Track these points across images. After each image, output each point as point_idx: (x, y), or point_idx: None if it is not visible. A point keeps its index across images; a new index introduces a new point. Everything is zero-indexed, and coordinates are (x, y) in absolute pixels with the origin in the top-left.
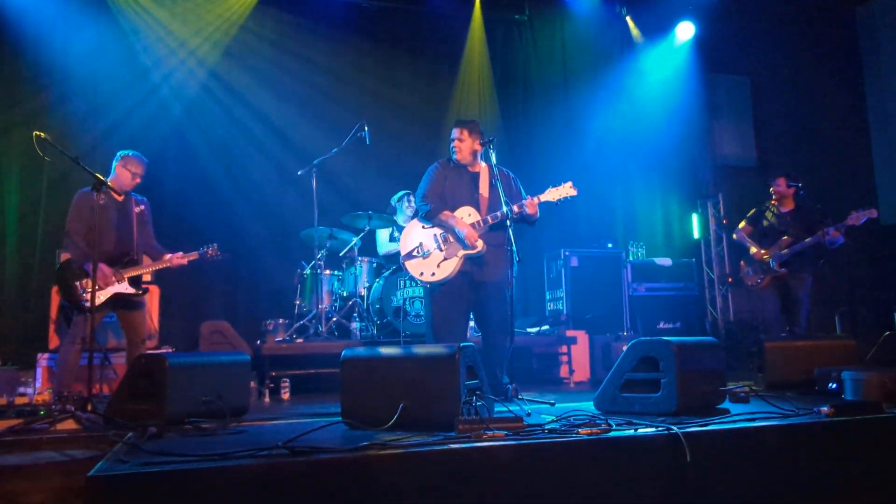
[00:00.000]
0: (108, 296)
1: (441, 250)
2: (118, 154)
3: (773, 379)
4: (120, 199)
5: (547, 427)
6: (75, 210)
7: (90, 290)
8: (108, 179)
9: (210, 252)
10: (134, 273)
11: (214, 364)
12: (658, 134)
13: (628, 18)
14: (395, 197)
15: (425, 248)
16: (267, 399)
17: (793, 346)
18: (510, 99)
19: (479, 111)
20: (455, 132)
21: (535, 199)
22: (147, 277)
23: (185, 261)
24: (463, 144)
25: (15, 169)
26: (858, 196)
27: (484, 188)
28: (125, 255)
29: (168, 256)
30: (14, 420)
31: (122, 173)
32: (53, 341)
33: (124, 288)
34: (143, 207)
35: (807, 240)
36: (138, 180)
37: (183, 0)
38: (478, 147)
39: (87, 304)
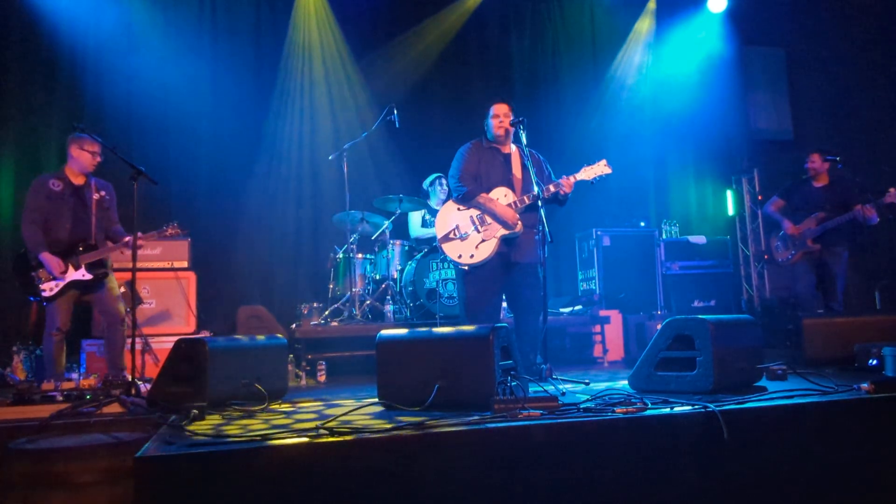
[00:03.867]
0: (64, 284)
1: (479, 232)
2: (68, 138)
3: (812, 356)
4: (79, 183)
5: (582, 406)
6: (30, 198)
7: (45, 279)
8: (65, 166)
9: (169, 231)
10: (91, 258)
11: (253, 348)
12: (691, 109)
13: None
14: (427, 180)
15: (462, 231)
16: (304, 382)
17: (832, 322)
18: (539, 76)
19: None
20: (501, 108)
21: (571, 179)
22: (182, 263)
23: (142, 242)
24: (507, 121)
25: (54, 159)
26: None
27: (517, 169)
28: (81, 242)
29: (127, 239)
30: (62, 404)
31: (81, 155)
32: (97, 328)
33: (81, 275)
34: (103, 193)
35: (839, 216)
36: (98, 159)
37: None
38: (510, 127)
39: (45, 295)
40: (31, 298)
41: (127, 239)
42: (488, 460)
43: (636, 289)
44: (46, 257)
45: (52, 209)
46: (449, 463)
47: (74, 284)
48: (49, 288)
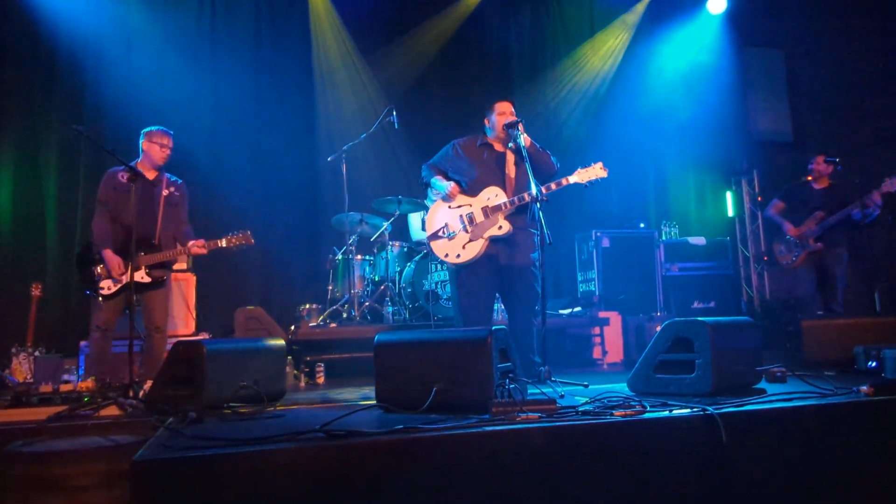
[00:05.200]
0: (121, 286)
1: (466, 232)
2: (142, 132)
3: (812, 358)
4: (149, 178)
5: (581, 409)
6: (100, 190)
7: (104, 277)
8: (138, 161)
9: (235, 240)
10: (151, 261)
11: (251, 350)
12: (691, 110)
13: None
14: None
15: (451, 230)
16: (303, 384)
17: (831, 324)
18: (539, 77)
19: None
20: (507, 106)
21: (564, 181)
22: (182, 265)
23: (204, 250)
24: (511, 119)
25: (53, 160)
26: None
27: (510, 168)
28: (144, 240)
29: (191, 243)
30: (60, 406)
31: (151, 148)
32: None
33: (140, 277)
34: (172, 189)
35: (841, 211)
36: (168, 152)
37: None
38: (511, 127)
39: (103, 293)
40: (87, 292)
41: (191, 243)
42: (486, 463)
43: (636, 290)
44: (109, 256)
45: (118, 201)
46: (446, 466)
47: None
48: (107, 287)
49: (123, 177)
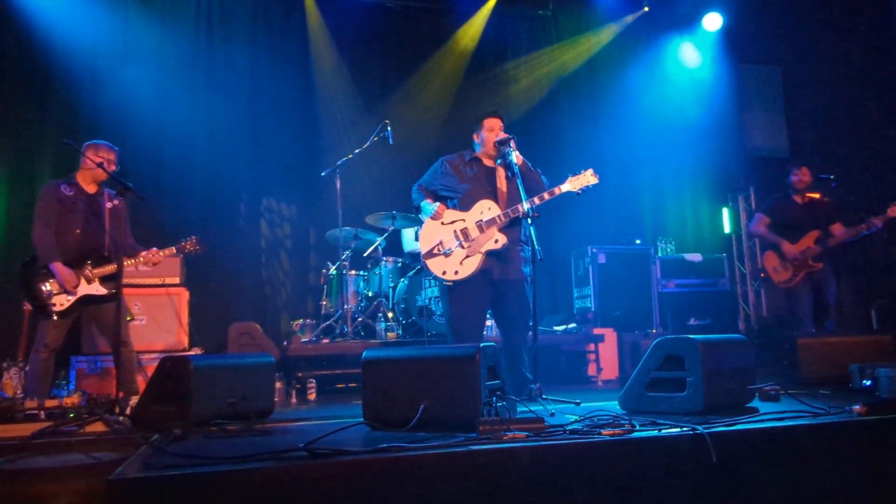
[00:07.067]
0: (76, 299)
1: (463, 248)
2: (84, 145)
3: (808, 376)
4: (91, 191)
5: (569, 427)
6: (41, 203)
7: (56, 292)
8: (76, 172)
9: (188, 246)
10: (105, 272)
11: (239, 366)
12: (687, 126)
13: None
14: None
15: (446, 246)
16: (294, 400)
17: (827, 341)
18: (535, 94)
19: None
20: (496, 122)
21: (556, 190)
22: (175, 279)
23: (160, 258)
24: (501, 135)
25: (48, 174)
26: (895, 187)
27: (502, 182)
28: (94, 253)
29: (143, 254)
30: (45, 422)
31: (96, 161)
32: (86, 344)
33: (95, 289)
34: (116, 202)
35: (854, 234)
36: (113, 167)
37: None
38: (502, 144)
39: (54, 309)
40: (42, 318)
41: (143, 253)
42: (472, 482)
43: (631, 307)
44: (58, 268)
45: (62, 214)
46: (432, 485)
47: (85, 300)
48: (60, 303)
49: (67, 190)
